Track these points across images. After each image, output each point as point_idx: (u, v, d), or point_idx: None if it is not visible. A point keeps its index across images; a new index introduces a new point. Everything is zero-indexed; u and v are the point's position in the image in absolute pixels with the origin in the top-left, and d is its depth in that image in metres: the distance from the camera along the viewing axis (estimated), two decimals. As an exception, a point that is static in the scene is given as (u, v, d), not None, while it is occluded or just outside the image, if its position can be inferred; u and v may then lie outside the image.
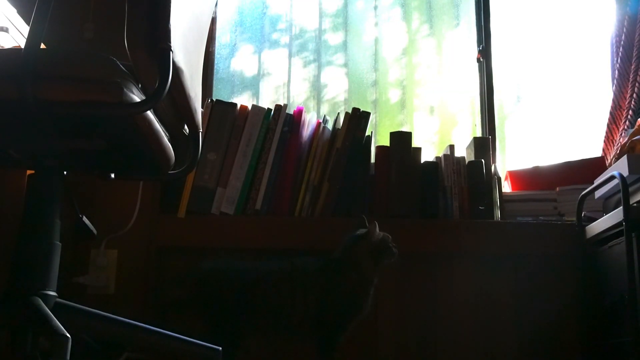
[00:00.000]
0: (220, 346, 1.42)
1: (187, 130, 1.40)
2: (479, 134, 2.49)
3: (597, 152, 2.42)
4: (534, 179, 2.32)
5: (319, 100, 2.60)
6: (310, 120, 2.18)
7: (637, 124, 2.12)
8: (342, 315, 1.70)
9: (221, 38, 2.58)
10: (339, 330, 1.71)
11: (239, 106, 2.14)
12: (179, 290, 1.79)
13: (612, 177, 1.84)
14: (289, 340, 1.82)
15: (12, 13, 1.53)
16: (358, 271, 1.72)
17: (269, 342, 1.82)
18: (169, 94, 1.07)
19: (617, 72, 2.44)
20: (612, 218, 1.81)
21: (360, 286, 1.73)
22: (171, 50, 1.04)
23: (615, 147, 2.32)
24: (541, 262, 2.12)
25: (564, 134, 2.60)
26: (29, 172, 1.25)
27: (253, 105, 2.14)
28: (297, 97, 2.58)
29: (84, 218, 1.44)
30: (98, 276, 1.99)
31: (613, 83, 2.45)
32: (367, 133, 2.15)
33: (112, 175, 1.42)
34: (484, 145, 2.23)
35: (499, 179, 2.23)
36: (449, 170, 2.14)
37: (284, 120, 2.11)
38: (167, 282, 1.98)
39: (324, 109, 2.57)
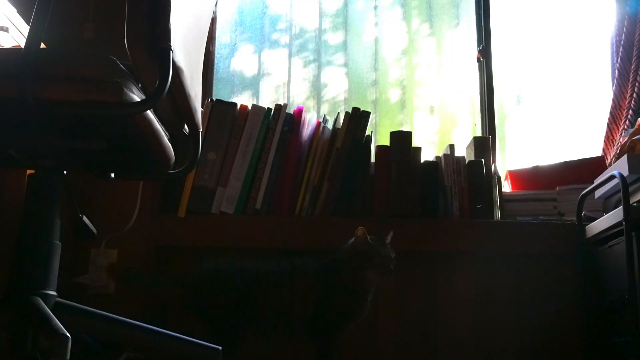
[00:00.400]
0: (220, 346, 1.42)
1: (187, 130, 1.40)
2: (479, 133, 2.49)
3: (597, 152, 2.42)
4: (534, 179, 2.32)
5: (319, 100, 2.60)
6: (310, 120, 2.18)
7: (637, 123, 2.12)
8: (337, 317, 1.70)
9: (221, 38, 2.58)
10: (334, 332, 1.70)
11: (239, 106, 2.14)
12: (179, 290, 1.79)
13: (612, 177, 1.84)
14: (288, 341, 1.82)
15: (12, 12, 1.53)
16: (352, 275, 1.71)
17: (269, 342, 1.81)
18: (169, 93, 1.07)
19: (617, 71, 2.44)
20: (612, 217, 1.81)
21: (354, 290, 1.71)
22: (171, 49, 1.04)
23: (615, 147, 2.32)
24: (541, 261, 2.12)
25: (564, 133, 2.60)
26: (29, 171, 1.25)
27: (253, 105, 2.14)
28: (297, 97, 2.58)
29: (84, 218, 1.44)
30: (98, 276, 1.99)
31: (613, 83, 2.45)
32: (367, 133, 2.15)
33: (112, 175, 1.42)
34: (484, 144, 2.23)
35: (499, 178, 2.23)
36: (449, 170, 2.14)
37: (284, 120, 2.11)
38: (167, 283, 1.97)
39: (324, 109, 2.57)
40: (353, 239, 1.74)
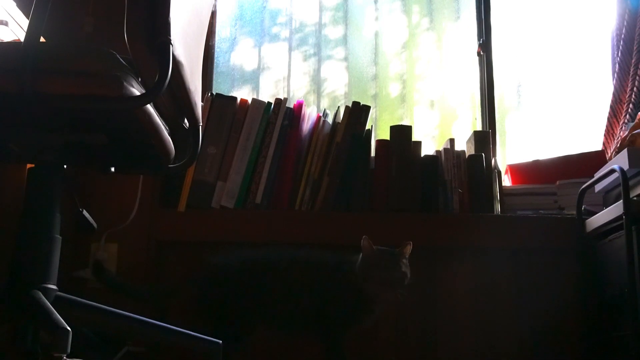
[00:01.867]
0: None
1: (187, 124, 1.40)
2: (479, 127, 2.49)
3: (597, 146, 2.41)
4: (534, 173, 2.32)
5: (319, 94, 2.59)
6: (310, 114, 2.18)
7: (638, 117, 2.12)
8: (337, 318, 1.66)
9: (221, 32, 2.58)
10: (336, 330, 1.67)
11: (239, 100, 2.14)
12: (188, 289, 1.79)
13: (612, 171, 1.84)
14: (297, 333, 1.80)
15: (12, 6, 1.53)
16: (355, 286, 1.65)
17: (277, 335, 1.79)
18: (168, 87, 1.07)
19: (617, 65, 2.44)
20: (612, 211, 1.81)
21: (357, 300, 1.65)
22: (171, 43, 1.04)
23: (615, 141, 2.32)
24: (541, 255, 2.12)
25: (565, 127, 2.59)
26: (29, 166, 1.25)
27: (253, 99, 2.14)
28: (297, 91, 2.58)
29: (84, 212, 1.44)
30: (98, 270, 1.99)
31: (614, 77, 2.45)
32: (367, 127, 2.15)
33: (112, 169, 1.42)
34: (484, 139, 2.22)
35: (499, 172, 2.23)
36: (449, 164, 2.14)
37: (284, 114, 2.11)
38: (177, 281, 1.95)
39: (324, 103, 2.56)
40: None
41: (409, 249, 1.68)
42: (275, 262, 1.70)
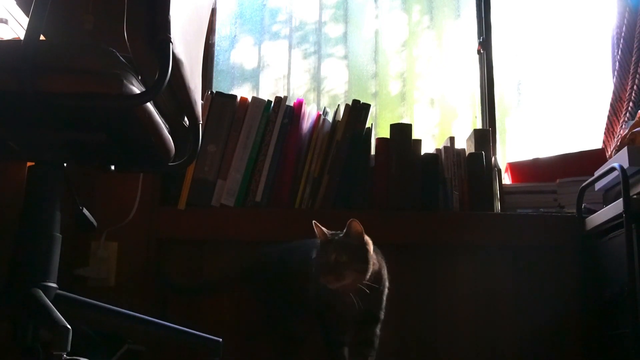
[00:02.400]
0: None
1: (187, 122, 1.40)
2: (479, 126, 2.49)
3: (597, 144, 2.41)
4: (534, 171, 2.32)
5: (319, 92, 2.59)
6: (310, 112, 2.18)
7: (638, 116, 2.12)
8: (324, 312, 1.58)
9: (221, 30, 2.57)
10: (323, 329, 1.59)
11: (239, 98, 2.14)
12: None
13: (612, 169, 1.84)
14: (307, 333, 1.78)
15: (12, 4, 1.53)
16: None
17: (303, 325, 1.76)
18: (168, 85, 1.07)
19: (617, 64, 2.44)
20: (612, 210, 1.81)
21: (324, 294, 1.52)
22: (171, 41, 1.04)
23: (615, 139, 2.32)
24: (541, 253, 2.12)
25: (565, 125, 2.59)
26: (29, 164, 1.25)
27: (253, 97, 2.14)
28: (297, 89, 2.58)
29: (84, 210, 1.44)
30: (98, 268, 1.99)
31: (614, 75, 2.45)
32: (368, 125, 2.15)
33: (112, 167, 1.43)
34: (484, 137, 2.22)
35: (499, 170, 2.23)
36: (449, 162, 2.14)
37: (284, 112, 2.11)
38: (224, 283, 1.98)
39: (324, 101, 2.56)
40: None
41: (353, 226, 1.48)
42: (293, 256, 1.72)
